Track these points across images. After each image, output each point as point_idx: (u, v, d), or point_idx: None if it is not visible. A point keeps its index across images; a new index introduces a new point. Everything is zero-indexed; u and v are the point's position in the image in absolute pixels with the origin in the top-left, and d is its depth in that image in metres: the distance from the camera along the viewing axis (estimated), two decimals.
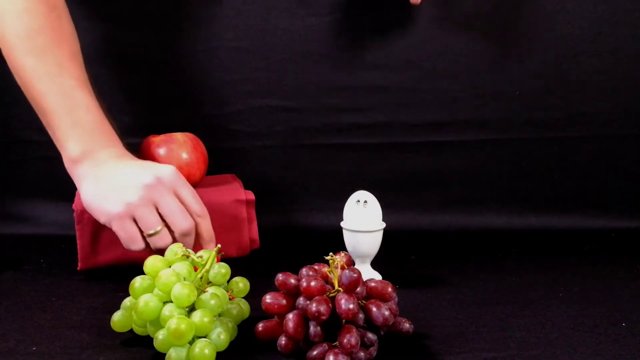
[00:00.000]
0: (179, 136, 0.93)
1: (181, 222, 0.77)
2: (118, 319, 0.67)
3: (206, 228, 0.80)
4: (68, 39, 0.84)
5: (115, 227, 0.78)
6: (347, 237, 0.82)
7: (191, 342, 0.61)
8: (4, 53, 0.84)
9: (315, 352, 0.62)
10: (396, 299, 0.66)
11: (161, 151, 0.91)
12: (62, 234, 1.04)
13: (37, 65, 0.81)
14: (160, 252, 0.73)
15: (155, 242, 0.77)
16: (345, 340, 0.60)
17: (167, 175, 0.77)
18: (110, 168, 0.79)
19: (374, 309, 0.62)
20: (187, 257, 0.68)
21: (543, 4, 1.03)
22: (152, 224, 0.76)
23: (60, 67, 0.81)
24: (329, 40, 1.04)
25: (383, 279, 0.78)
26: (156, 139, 0.92)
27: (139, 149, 0.93)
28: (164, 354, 0.61)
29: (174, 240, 0.77)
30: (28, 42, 0.82)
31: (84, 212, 0.86)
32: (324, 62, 1.05)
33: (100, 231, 0.87)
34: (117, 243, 0.87)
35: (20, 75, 0.83)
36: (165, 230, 0.77)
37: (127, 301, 0.68)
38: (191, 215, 0.79)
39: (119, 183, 0.77)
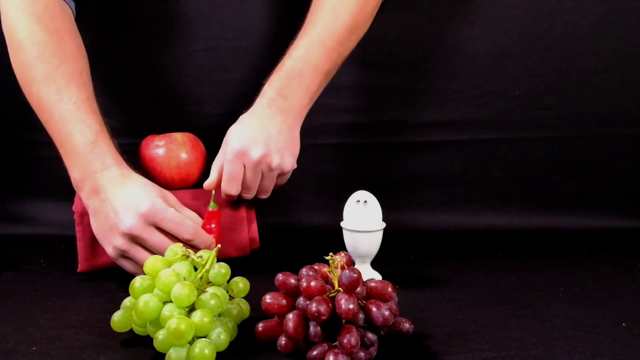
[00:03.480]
0: (179, 136, 0.93)
1: (183, 236, 0.80)
2: (118, 319, 0.67)
3: (201, 242, 0.81)
4: (70, 60, 0.85)
5: (118, 264, 0.83)
6: (347, 237, 0.82)
7: (191, 342, 0.61)
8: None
9: (315, 352, 0.62)
10: (396, 299, 0.66)
11: (161, 151, 0.91)
12: (62, 234, 1.04)
13: (39, 93, 0.83)
14: None
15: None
16: (345, 340, 0.60)
17: (142, 217, 0.78)
18: (102, 202, 0.80)
19: (374, 309, 0.62)
20: (187, 257, 0.68)
21: (543, 4, 1.03)
22: (143, 261, 0.77)
23: (59, 93, 0.83)
24: None
25: (383, 279, 0.78)
26: (156, 139, 0.92)
27: (138, 149, 0.93)
28: (164, 354, 0.61)
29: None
30: (29, 72, 0.84)
31: (84, 214, 0.86)
32: None
33: None
34: None
35: (31, 104, 0.85)
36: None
37: (127, 301, 0.68)
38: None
39: (108, 224, 0.80)
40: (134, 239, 0.78)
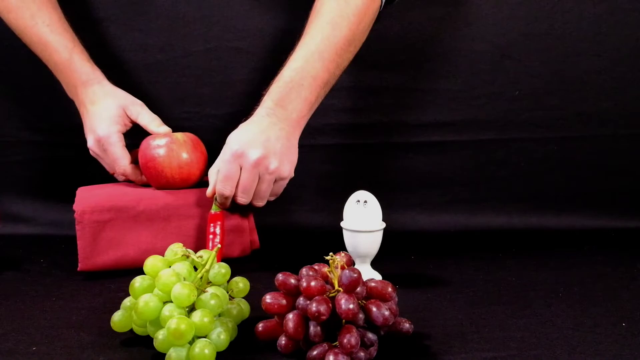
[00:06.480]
0: (179, 136, 0.93)
1: (117, 172, 0.94)
2: (118, 319, 0.67)
3: (134, 179, 0.95)
4: None
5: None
6: (347, 237, 0.82)
7: (191, 342, 0.61)
8: None
9: (315, 352, 0.62)
10: (396, 299, 0.66)
11: (162, 151, 0.91)
12: (62, 234, 1.04)
13: (17, 20, 0.93)
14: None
15: (118, 178, 0.96)
16: (345, 340, 0.60)
17: (97, 141, 0.93)
18: (82, 113, 0.95)
19: (374, 309, 0.62)
20: (187, 257, 0.68)
21: (542, 4, 1.03)
22: (107, 168, 0.96)
23: (33, 18, 0.93)
24: None
25: (383, 279, 0.78)
26: (157, 139, 0.92)
27: (138, 149, 0.93)
28: (164, 354, 0.61)
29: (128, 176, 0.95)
30: (3, 1, 0.93)
31: (84, 213, 0.86)
32: None
33: (100, 232, 0.87)
34: (117, 244, 0.87)
35: (12, 29, 0.95)
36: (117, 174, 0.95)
37: (127, 301, 0.68)
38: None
39: (85, 133, 0.96)
40: (94, 154, 0.95)
